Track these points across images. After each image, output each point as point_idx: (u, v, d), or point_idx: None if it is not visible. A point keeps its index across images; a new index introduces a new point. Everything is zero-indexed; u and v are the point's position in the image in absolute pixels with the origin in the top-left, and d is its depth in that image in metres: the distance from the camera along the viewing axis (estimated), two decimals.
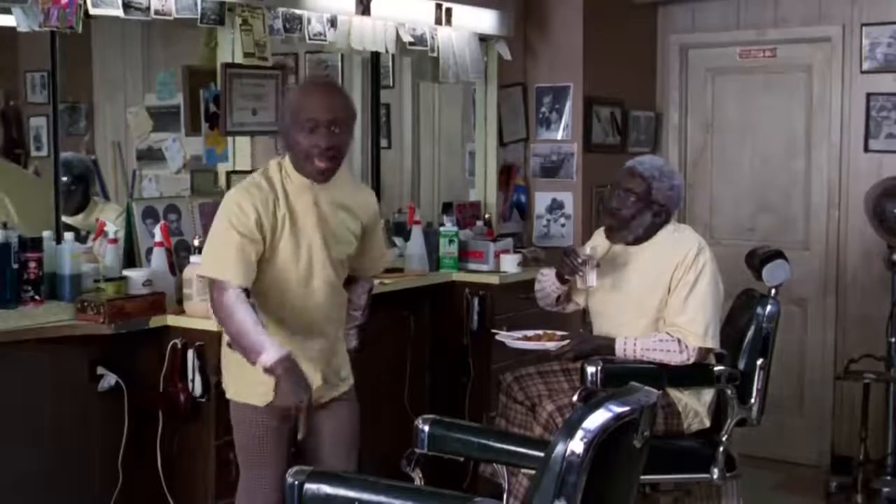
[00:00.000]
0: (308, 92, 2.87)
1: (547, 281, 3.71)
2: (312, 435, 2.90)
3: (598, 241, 3.68)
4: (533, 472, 2.24)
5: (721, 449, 3.40)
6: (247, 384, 2.88)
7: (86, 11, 3.20)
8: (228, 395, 2.98)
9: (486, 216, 4.97)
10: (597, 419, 1.93)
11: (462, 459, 2.86)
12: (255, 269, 2.78)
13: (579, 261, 3.48)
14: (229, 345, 2.88)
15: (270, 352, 2.66)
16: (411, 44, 4.45)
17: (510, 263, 4.55)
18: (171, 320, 3.33)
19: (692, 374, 3.43)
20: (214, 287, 2.77)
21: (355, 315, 3.15)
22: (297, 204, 2.85)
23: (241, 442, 2.98)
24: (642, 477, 2.36)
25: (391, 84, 4.98)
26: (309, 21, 3.96)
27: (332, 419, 3.00)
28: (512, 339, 3.62)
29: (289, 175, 2.86)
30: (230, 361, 2.95)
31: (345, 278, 3.03)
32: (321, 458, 2.98)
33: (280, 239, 2.82)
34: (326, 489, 2.11)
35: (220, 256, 2.78)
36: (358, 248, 3.02)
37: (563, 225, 5.19)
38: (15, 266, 3.11)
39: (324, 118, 2.75)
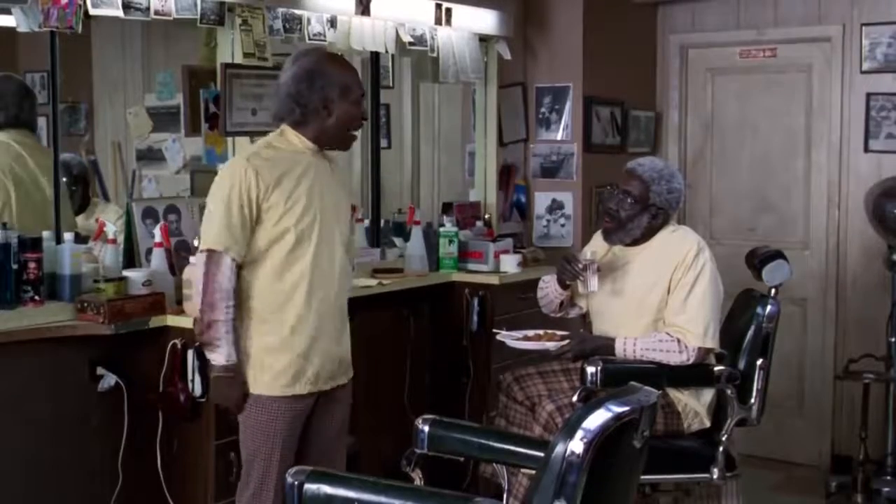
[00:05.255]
0: (346, 67, 3.03)
1: (549, 287, 3.71)
2: (317, 436, 3.06)
3: (598, 244, 3.68)
4: (533, 472, 2.24)
5: (721, 449, 3.40)
6: (267, 372, 2.91)
7: (86, 11, 3.20)
8: (258, 391, 2.93)
9: (486, 216, 4.97)
10: (597, 419, 1.93)
11: (462, 459, 2.87)
12: (248, 237, 2.87)
13: (580, 266, 3.48)
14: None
15: (222, 351, 2.83)
16: (411, 44, 4.45)
17: (510, 263, 4.55)
18: (171, 320, 3.33)
19: (692, 374, 3.43)
20: (210, 259, 2.84)
21: None
22: (301, 167, 2.93)
23: (255, 433, 2.94)
24: (642, 477, 2.36)
25: (391, 84, 4.98)
26: (309, 21, 3.96)
27: (333, 420, 3.09)
28: (512, 339, 3.62)
29: (291, 142, 2.96)
30: (259, 350, 2.93)
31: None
32: (319, 458, 3.01)
33: (285, 202, 2.87)
34: (326, 489, 2.11)
35: (216, 228, 2.86)
36: None
37: (563, 225, 5.19)
38: (15, 266, 3.11)
39: (360, 90, 3.02)
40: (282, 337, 2.91)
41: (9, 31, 3.31)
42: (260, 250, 2.89)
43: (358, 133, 3.07)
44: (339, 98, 2.93)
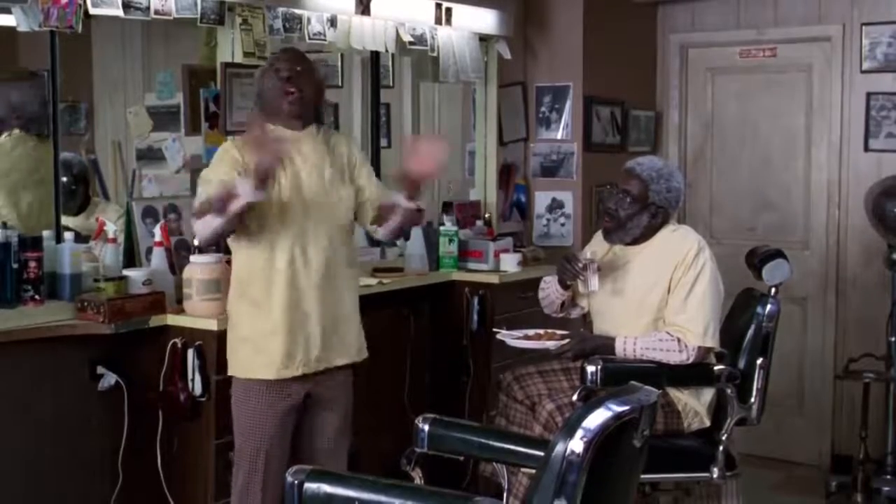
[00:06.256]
0: (276, 57, 3.13)
1: (550, 288, 3.71)
2: (317, 436, 3.10)
3: (598, 244, 3.68)
4: (533, 471, 2.24)
5: (721, 448, 3.40)
6: (258, 356, 2.97)
7: (86, 11, 3.21)
8: (237, 374, 3.03)
9: (486, 215, 4.98)
10: (597, 418, 1.93)
11: (462, 459, 2.87)
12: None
13: (580, 266, 3.49)
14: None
15: (242, 186, 2.78)
16: (411, 43, 4.45)
17: (510, 263, 4.55)
18: (171, 320, 3.33)
19: (692, 374, 3.43)
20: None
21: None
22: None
23: (243, 423, 3.02)
24: (642, 476, 2.36)
25: (391, 84, 4.98)
26: (309, 21, 3.96)
27: (333, 418, 3.12)
28: (512, 338, 3.62)
29: (271, 129, 3.01)
30: (238, 337, 3.03)
31: (355, 227, 3.20)
32: (318, 457, 3.04)
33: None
34: (326, 488, 2.11)
35: (200, 190, 2.97)
36: (361, 186, 3.16)
37: (562, 224, 5.19)
38: (15, 266, 3.11)
39: (287, 67, 3.03)
40: (271, 318, 2.97)
41: (9, 31, 3.30)
42: (247, 231, 2.95)
43: (291, 91, 3.01)
44: (266, 83, 3.05)
